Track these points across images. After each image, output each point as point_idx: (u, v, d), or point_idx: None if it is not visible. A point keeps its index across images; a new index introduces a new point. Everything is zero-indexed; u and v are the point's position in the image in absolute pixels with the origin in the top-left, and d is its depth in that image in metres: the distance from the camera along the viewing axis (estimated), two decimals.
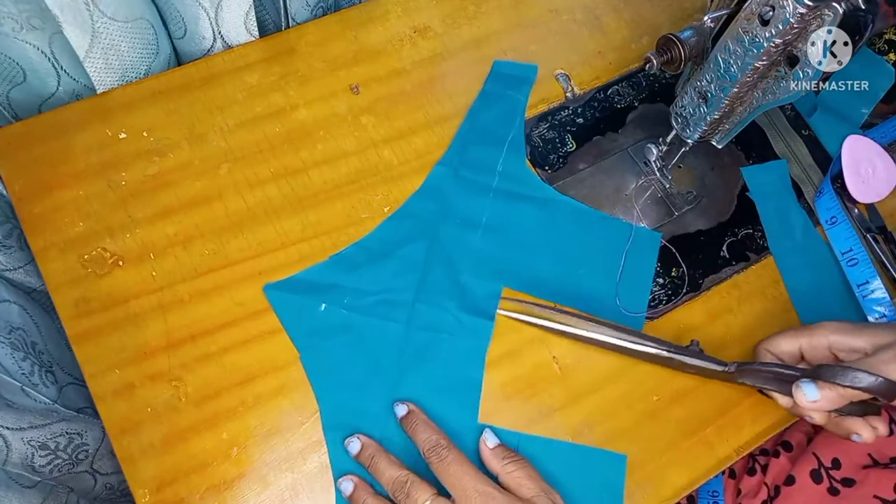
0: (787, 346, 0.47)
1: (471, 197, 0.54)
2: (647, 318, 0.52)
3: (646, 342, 0.48)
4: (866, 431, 0.44)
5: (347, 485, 0.45)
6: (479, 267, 0.52)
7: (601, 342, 0.49)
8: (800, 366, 0.47)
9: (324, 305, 0.49)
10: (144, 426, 0.46)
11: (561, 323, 0.50)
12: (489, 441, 0.45)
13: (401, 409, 0.46)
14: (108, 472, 0.56)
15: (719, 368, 0.47)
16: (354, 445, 0.45)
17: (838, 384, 0.41)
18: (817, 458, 0.53)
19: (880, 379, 0.40)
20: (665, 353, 0.48)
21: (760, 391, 0.49)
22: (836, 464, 0.53)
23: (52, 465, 0.49)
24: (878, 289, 0.52)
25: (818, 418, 0.45)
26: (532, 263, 0.53)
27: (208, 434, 0.46)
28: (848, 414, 0.45)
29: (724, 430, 0.50)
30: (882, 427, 0.45)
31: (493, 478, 0.43)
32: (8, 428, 0.45)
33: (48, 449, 0.48)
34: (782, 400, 0.47)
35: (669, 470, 0.48)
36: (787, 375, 0.44)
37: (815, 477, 0.53)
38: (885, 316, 0.51)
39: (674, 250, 0.55)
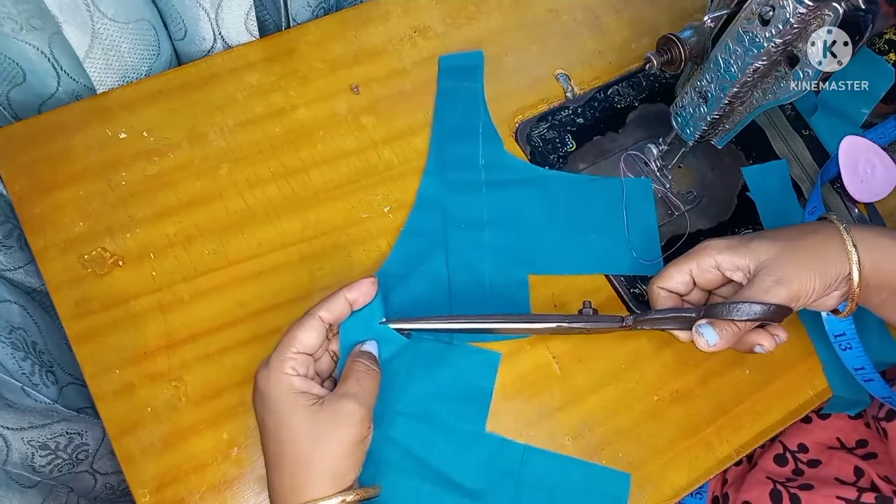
0: (678, 275, 0.47)
1: (465, 197, 0.54)
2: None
3: (540, 322, 0.47)
4: (768, 341, 0.45)
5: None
6: (497, 263, 0.52)
7: (493, 329, 0.47)
8: (694, 299, 0.48)
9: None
10: (144, 426, 0.46)
11: (454, 322, 0.46)
12: (366, 346, 0.44)
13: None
14: (108, 472, 0.56)
15: (617, 324, 0.47)
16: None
17: (733, 320, 0.42)
18: (783, 445, 0.54)
19: (771, 306, 0.41)
20: (565, 325, 0.46)
21: (661, 329, 0.49)
22: (803, 448, 0.53)
23: (53, 465, 0.49)
24: None
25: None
26: (544, 242, 0.53)
27: (208, 434, 0.46)
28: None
29: (723, 430, 0.50)
30: (782, 334, 0.45)
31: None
32: (8, 428, 0.45)
33: (48, 449, 0.48)
34: (682, 336, 0.47)
35: (669, 470, 0.48)
36: (683, 318, 0.45)
37: (780, 461, 0.53)
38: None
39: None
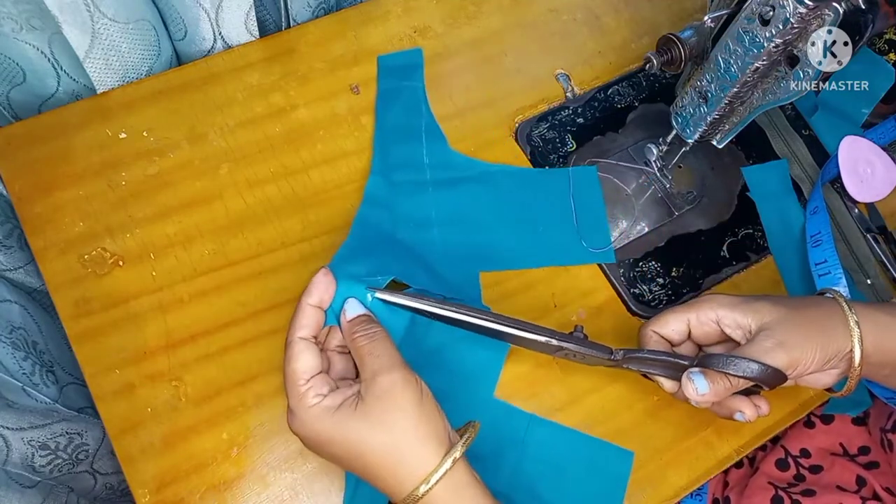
0: (675, 323, 0.45)
1: (412, 197, 0.53)
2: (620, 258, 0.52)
3: (528, 329, 0.44)
4: (749, 409, 0.44)
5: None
6: (449, 261, 0.51)
7: (481, 327, 0.44)
8: (685, 351, 0.47)
9: (370, 296, 0.43)
10: (144, 426, 0.46)
11: (441, 308, 0.44)
12: (349, 313, 0.41)
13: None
14: (108, 472, 0.56)
15: (605, 356, 0.44)
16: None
17: (728, 373, 0.41)
18: (785, 449, 0.54)
19: (769, 369, 0.40)
20: (555, 342, 0.44)
21: (644, 375, 0.48)
22: (805, 453, 0.53)
23: (53, 465, 0.49)
24: (834, 269, 0.51)
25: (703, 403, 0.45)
26: (494, 238, 0.53)
27: (208, 434, 0.46)
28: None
29: (724, 430, 0.50)
30: (765, 407, 0.44)
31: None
32: (8, 428, 0.45)
33: (48, 449, 0.48)
34: (667, 384, 0.46)
35: (669, 470, 0.48)
36: (675, 364, 0.44)
37: (781, 466, 0.53)
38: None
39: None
